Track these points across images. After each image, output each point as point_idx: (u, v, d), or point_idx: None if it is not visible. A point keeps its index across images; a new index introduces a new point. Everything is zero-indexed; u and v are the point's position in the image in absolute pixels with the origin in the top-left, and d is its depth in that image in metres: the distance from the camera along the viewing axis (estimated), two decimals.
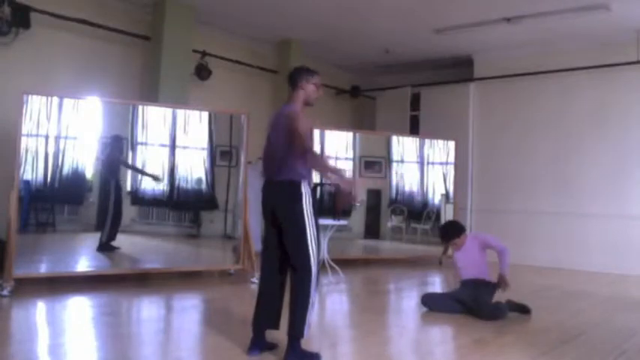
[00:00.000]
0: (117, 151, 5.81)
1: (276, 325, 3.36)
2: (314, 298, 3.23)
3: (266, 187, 3.40)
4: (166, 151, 6.14)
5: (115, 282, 5.51)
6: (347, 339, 3.97)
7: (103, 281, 5.49)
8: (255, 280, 5.59)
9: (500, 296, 4.71)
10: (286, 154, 3.28)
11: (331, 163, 3.39)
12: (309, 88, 3.44)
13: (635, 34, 7.63)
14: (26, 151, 5.21)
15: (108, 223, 5.71)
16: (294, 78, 3.45)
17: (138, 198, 6.00)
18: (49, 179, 5.43)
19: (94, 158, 5.69)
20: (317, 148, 7.12)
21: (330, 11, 7.37)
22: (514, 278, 5.59)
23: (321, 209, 6.62)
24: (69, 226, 5.69)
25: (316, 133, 7.24)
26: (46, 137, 5.37)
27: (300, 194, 3.27)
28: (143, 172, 5.97)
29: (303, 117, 3.29)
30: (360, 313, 4.85)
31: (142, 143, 5.97)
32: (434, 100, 9.63)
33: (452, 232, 4.94)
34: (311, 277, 3.20)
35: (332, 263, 6.45)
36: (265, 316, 3.33)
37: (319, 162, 3.50)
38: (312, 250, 3.23)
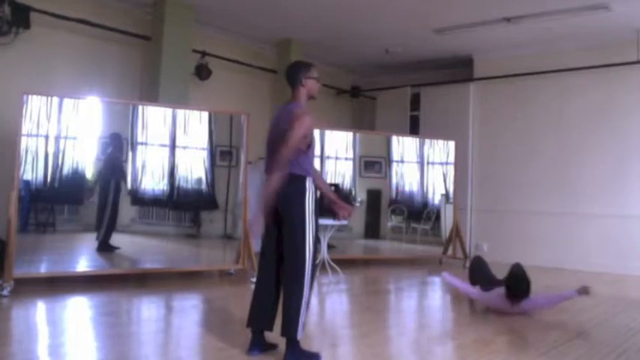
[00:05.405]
0: (117, 151, 5.81)
1: (269, 327, 3.32)
2: (308, 298, 3.19)
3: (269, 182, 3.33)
4: (166, 151, 6.14)
5: (115, 282, 5.51)
6: (347, 339, 3.96)
7: (102, 281, 5.49)
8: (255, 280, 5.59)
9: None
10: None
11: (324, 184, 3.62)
12: (309, 83, 3.39)
13: (635, 34, 7.63)
14: (26, 151, 5.21)
15: (105, 223, 5.71)
16: (294, 75, 3.38)
17: (138, 198, 6.00)
18: (49, 179, 5.43)
19: (94, 158, 5.69)
20: (317, 148, 7.11)
21: (330, 11, 7.37)
22: None
23: (322, 209, 6.61)
24: (69, 226, 5.68)
25: (316, 133, 7.23)
26: (46, 137, 5.37)
27: (304, 189, 3.24)
28: None
29: (307, 116, 3.22)
30: (360, 313, 4.84)
31: (142, 143, 5.97)
32: (434, 100, 9.62)
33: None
34: (304, 277, 3.16)
35: (332, 263, 6.45)
36: (259, 316, 3.30)
37: (281, 163, 3.20)
38: (309, 248, 3.20)
